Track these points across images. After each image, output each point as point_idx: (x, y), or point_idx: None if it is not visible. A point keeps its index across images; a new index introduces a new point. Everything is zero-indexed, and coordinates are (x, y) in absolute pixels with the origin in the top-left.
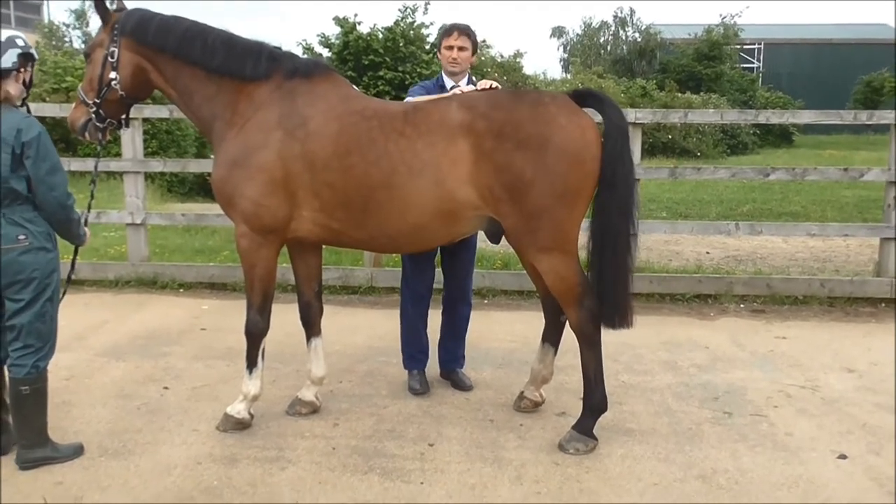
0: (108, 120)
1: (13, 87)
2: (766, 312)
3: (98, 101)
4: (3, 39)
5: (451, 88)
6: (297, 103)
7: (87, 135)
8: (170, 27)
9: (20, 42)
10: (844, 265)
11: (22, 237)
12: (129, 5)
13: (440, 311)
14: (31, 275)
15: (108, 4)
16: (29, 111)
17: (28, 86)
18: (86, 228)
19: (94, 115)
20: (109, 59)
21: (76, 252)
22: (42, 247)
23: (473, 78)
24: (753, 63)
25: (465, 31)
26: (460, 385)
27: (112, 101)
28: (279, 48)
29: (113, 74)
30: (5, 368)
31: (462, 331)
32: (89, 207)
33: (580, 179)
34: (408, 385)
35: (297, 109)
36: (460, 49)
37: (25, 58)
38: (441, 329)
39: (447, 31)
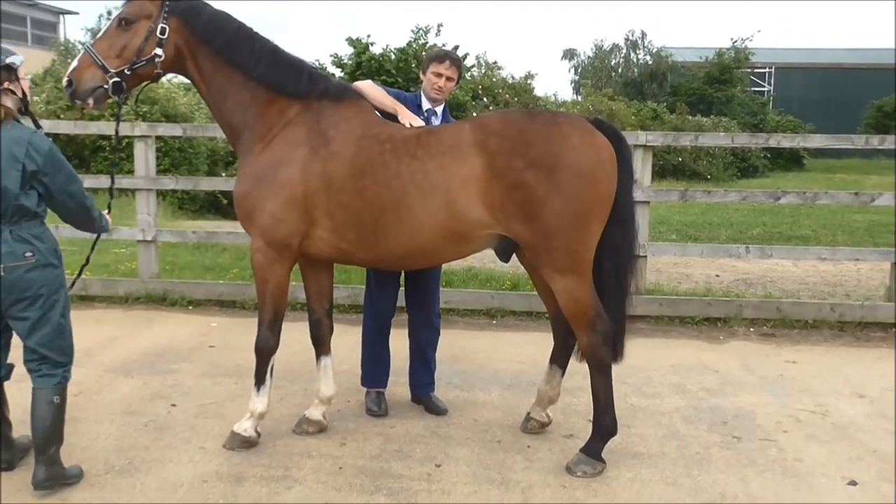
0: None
1: (8, 101)
2: (776, 336)
3: (128, 71)
4: None
5: (426, 111)
6: (322, 123)
7: (90, 101)
8: (221, 23)
9: None
10: (855, 290)
11: (28, 254)
12: None
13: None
14: (37, 291)
15: None
16: (38, 126)
17: (23, 97)
18: (106, 216)
19: (111, 84)
20: (158, 34)
21: (88, 259)
22: (49, 263)
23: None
24: (764, 87)
25: (457, 63)
26: (433, 410)
27: (141, 76)
28: (317, 69)
29: (158, 51)
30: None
31: (428, 356)
32: (111, 194)
33: (594, 199)
34: (365, 405)
35: (322, 129)
36: (448, 79)
37: (8, 70)
38: (409, 353)
39: (440, 57)
